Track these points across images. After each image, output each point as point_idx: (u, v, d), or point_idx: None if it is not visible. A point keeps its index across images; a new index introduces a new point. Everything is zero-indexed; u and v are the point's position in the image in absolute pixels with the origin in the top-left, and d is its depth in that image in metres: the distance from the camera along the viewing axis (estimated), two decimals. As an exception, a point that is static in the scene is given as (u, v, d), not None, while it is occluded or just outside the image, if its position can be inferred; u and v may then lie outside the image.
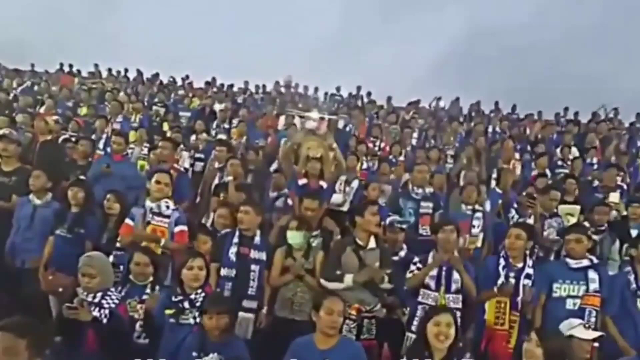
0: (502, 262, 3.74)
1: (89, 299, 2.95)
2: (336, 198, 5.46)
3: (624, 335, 3.56)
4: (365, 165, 6.86)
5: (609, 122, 10.20)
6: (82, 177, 5.16)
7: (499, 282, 3.65)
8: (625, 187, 6.32)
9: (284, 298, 3.79)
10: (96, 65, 14.08)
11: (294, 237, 3.84)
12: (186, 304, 3.11)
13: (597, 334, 2.94)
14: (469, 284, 3.62)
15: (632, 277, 3.72)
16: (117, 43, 18.16)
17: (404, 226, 4.58)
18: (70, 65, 14.22)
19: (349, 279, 3.58)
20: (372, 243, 3.72)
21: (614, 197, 5.08)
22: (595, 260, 3.77)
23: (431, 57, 19.46)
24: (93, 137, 6.89)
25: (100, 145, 6.74)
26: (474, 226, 4.78)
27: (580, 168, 6.81)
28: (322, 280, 3.67)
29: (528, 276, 3.68)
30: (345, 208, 5.38)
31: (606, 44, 16.98)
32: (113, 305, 2.97)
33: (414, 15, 21.59)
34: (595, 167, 7.23)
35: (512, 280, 3.63)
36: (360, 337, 3.52)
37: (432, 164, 6.41)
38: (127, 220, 3.91)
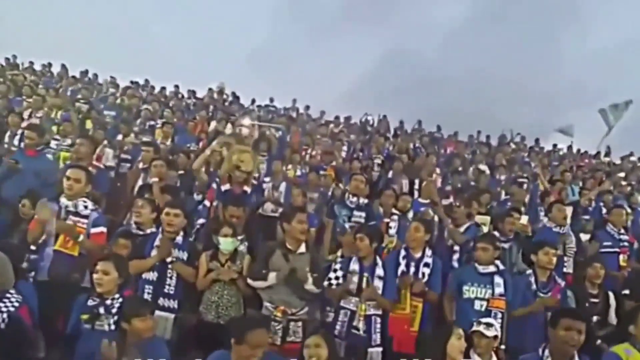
0: (402, 252, 4.10)
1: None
2: (268, 206, 5.54)
3: (525, 333, 3.85)
4: (299, 173, 7.03)
5: (514, 145, 12.11)
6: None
7: (399, 270, 3.97)
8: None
9: (209, 301, 3.72)
10: (14, 56, 13.09)
11: (226, 244, 3.80)
12: (101, 310, 2.97)
13: (494, 333, 3.16)
14: (383, 303, 3.79)
15: (532, 279, 4.09)
16: (48, 36, 17.01)
17: None
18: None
19: (272, 276, 3.63)
20: (302, 248, 3.78)
21: (524, 219, 5.54)
22: (501, 267, 4.08)
23: (358, 75, 20.35)
24: (8, 133, 6.45)
25: (15, 142, 6.28)
26: (390, 227, 5.12)
27: (485, 182, 7.53)
28: (248, 280, 3.70)
29: (426, 265, 4.03)
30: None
31: (504, 84, 19.04)
32: (12, 309, 2.73)
33: (344, 34, 22.61)
34: (503, 182, 8.05)
35: (412, 269, 3.98)
36: (286, 340, 3.54)
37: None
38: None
